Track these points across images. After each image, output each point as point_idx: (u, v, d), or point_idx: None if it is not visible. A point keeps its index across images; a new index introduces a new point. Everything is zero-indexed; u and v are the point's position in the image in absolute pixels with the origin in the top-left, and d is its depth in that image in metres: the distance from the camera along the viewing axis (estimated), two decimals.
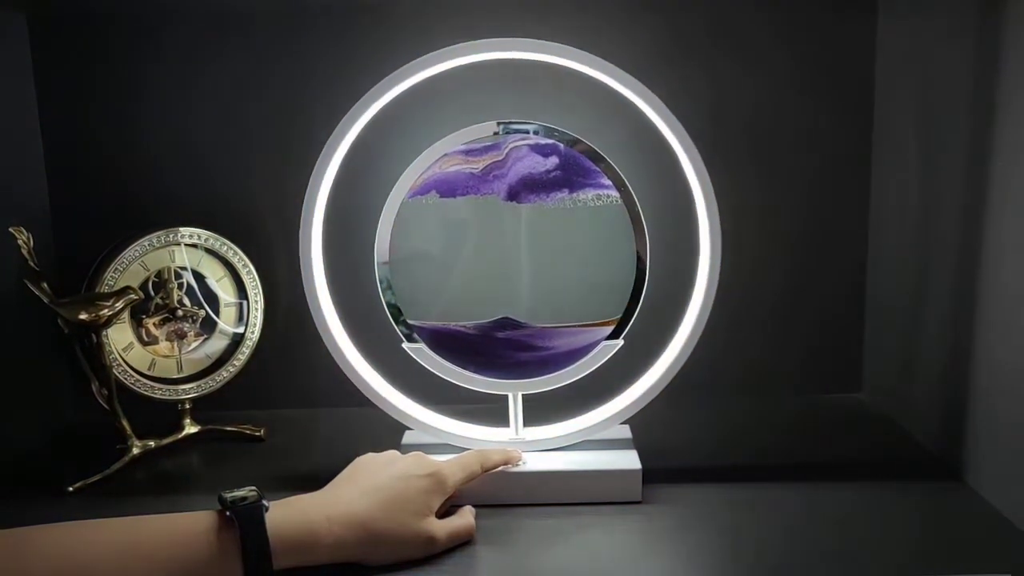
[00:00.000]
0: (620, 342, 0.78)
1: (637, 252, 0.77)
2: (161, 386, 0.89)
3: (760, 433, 0.91)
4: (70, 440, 0.93)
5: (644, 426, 0.82)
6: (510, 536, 0.70)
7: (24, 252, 0.80)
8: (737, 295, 0.92)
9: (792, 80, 0.94)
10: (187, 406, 0.90)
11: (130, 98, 0.95)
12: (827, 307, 0.98)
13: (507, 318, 0.77)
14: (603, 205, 0.76)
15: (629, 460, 0.76)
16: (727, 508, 0.74)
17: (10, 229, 0.80)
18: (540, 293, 0.77)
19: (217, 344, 0.92)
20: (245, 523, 0.60)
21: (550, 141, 0.76)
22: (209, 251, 0.90)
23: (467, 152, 0.76)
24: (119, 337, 0.87)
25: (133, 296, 0.83)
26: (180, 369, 0.91)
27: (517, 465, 0.76)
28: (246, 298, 0.92)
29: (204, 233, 0.89)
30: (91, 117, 0.95)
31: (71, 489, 0.80)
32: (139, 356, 0.89)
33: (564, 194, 0.76)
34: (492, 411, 0.81)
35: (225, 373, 0.91)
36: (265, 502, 0.62)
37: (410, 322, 0.78)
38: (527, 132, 0.76)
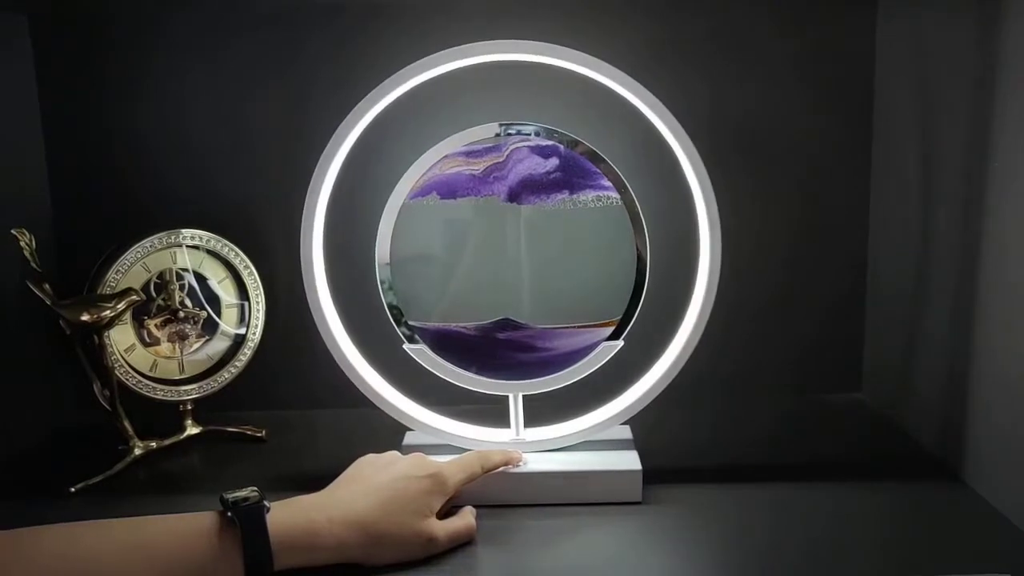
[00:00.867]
0: (620, 343, 0.78)
1: (637, 253, 0.77)
2: (163, 387, 0.89)
3: (760, 433, 0.91)
4: (72, 441, 0.93)
5: (644, 427, 0.83)
6: (511, 537, 0.70)
7: (26, 253, 0.80)
8: (737, 295, 0.92)
9: (792, 80, 0.94)
10: (189, 407, 0.91)
11: (132, 100, 0.95)
12: (827, 307, 0.98)
13: (507, 319, 0.78)
14: (603, 206, 0.76)
15: (629, 461, 0.76)
16: (727, 508, 0.74)
17: (12, 231, 0.80)
18: (540, 294, 0.78)
19: (219, 345, 0.92)
20: (246, 524, 0.60)
21: (550, 142, 0.76)
22: (211, 253, 0.91)
23: (468, 154, 0.76)
24: (121, 338, 0.88)
25: (135, 297, 0.83)
26: (182, 370, 0.91)
27: (518, 466, 0.76)
28: (247, 299, 0.92)
29: (206, 235, 0.90)
30: (93, 119, 0.95)
31: (73, 490, 0.80)
32: (141, 357, 0.89)
33: (564, 195, 0.76)
34: (493, 412, 0.81)
35: (227, 374, 0.92)
36: (266, 503, 0.62)
37: (411, 323, 0.78)
38: (528, 134, 0.76)
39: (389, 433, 0.82)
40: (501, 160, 0.76)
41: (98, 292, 0.85)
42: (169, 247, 0.89)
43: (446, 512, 0.71)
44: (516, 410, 0.79)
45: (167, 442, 0.89)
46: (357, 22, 0.93)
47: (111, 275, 0.85)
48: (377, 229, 0.77)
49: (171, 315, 0.90)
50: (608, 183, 0.76)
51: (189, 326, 0.91)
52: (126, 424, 0.86)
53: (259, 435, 0.92)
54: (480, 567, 0.66)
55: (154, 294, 0.89)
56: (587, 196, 0.76)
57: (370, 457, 0.73)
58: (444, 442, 0.79)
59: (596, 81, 0.74)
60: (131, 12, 0.93)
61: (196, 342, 0.91)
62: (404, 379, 0.81)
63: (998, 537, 0.68)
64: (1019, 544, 0.67)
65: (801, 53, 0.93)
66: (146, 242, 0.87)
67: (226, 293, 0.92)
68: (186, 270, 0.90)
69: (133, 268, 0.87)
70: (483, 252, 0.78)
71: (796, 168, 0.96)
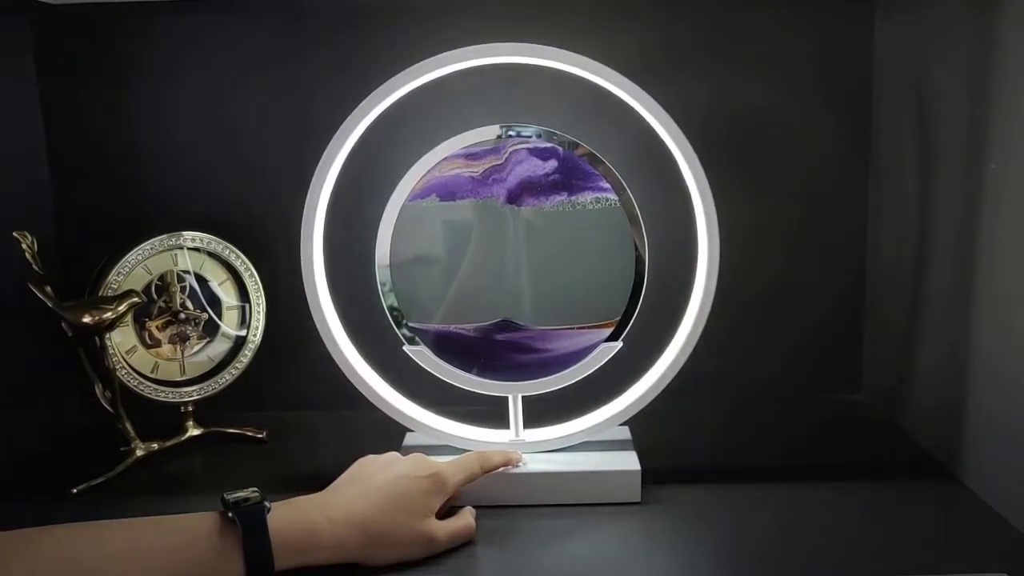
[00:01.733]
0: (619, 344, 0.78)
1: (636, 254, 0.77)
2: (164, 389, 0.90)
3: (759, 434, 0.91)
4: (73, 442, 0.94)
5: (643, 427, 0.83)
6: (510, 537, 0.70)
7: (28, 256, 0.81)
8: (735, 297, 0.92)
9: (790, 82, 0.94)
10: (190, 408, 0.91)
11: (134, 102, 0.95)
12: (825, 308, 0.99)
13: (507, 320, 0.78)
14: (602, 208, 0.77)
15: (629, 461, 0.77)
16: (726, 509, 0.74)
17: (14, 233, 0.80)
18: (540, 296, 0.78)
19: (219, 347, 0.92)
20: (247, 524, 0.61)
21: (549, 144, 0.76)
22: (212, 255, 0.91)
23: (467, 156, 0.76)
24: (122, 340, 0.88)
25: (136, 299, 0.84)
26: (183, 372, 0.91)
27: (517, 466, 0.77)
28: (248, 301, 0.92)
29: (207, 237, 0.90)
30: (95, 122, 0.96)
31: (75, 491, 0.81)
32: (142, 359, 0.89)
33: (563, 197, 0.77)
34: (492, 413, 0.81)
35: (227, 376, 0.92)
36: (267, 503, 0.63)
37: (411, 325, 0.78)
38: (527, 136, 0.76)
39: (389, 434, 0.82)
40: (500, 162, 0.76)
41: (99, 294, 0.85)
42: (170, 249, 0.89)
43: (446, 512, 0.71)
44: (515, 411, 0.80)
45: (168, 443, 0.89)
46: (358, 25, 0.93)
47: (112, 277, 0.86)
48: (377, 231, 0.77)
49: (172, 317, 0.90)
50: (607, 185, 0.76)
51: (190, 328, 0.91)
52: (127, 425, 0.86)
53: (260, 436, 0.92)
54: (479, 567, 0.67)
55: (155, 296, 0.89)
56: (586, 198, 0.77)
57: (370, 458, 0.73)
58: (444, 443, 0.79)
59: (595, 83, 0.75)
60: (133, 16, 0.93)
61: (197, 344, 0.92)
62: (404, 380, 0.81)
63: (996, 538, 0.68)
64: (1017, 544, 0.67)
65: (800, 54, 0.94)
66: (147, 244, 0.87)
67: (227, 295, 0.92)
68: (187, 272, 0.90)
69: (134, 270, 0.87)
70: (482, 254, 0.78)
71: (795, 169, 0.96)
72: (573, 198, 0.77)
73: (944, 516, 0.72)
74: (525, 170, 0.76)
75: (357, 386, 0.79)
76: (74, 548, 0.58)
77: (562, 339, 0.78)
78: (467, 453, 0.76)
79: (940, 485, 0.77)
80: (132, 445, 0.86)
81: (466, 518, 0.71)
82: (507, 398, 0.79)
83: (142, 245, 0.87)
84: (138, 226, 0.90)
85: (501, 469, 0.76)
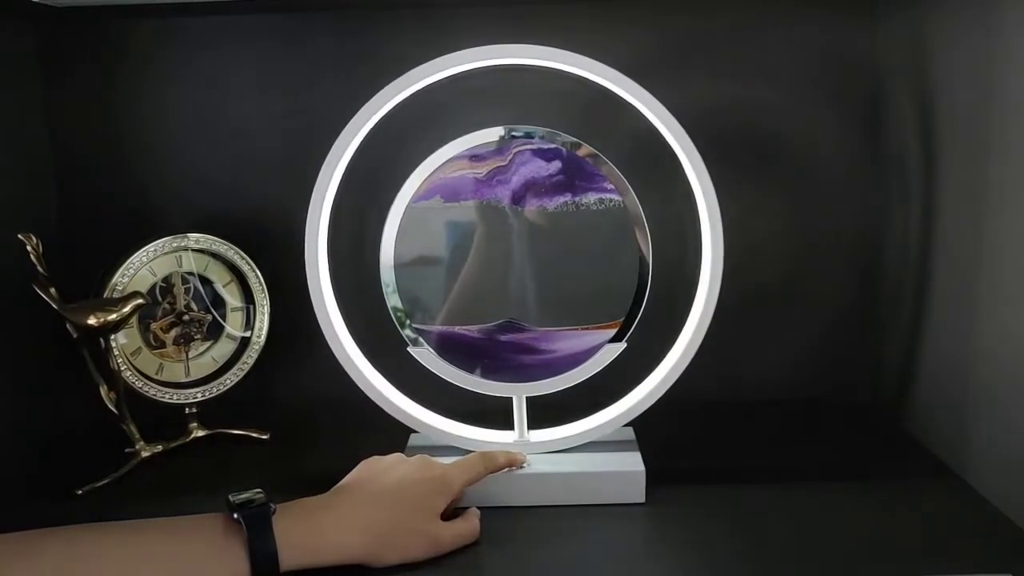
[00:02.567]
0: (623, 345, 0.78)
1: (640, 255, 0.77)
2: (168, 390, 0.90)
3: (763, 434, 0.91)
4: (78, 444, 0.94)
5: (648, 428, 0.83)
6: (514, 537, 0.71)
7: (33, 258, 0.81)
8: (739, 297, 0.92)
9: (793, 81, 0.94)
10: (194, 410, 0.91)
11: (137, 105, 0.96)
12: (830, 309, 0.99)
13: (511, 322, 0.78)
14: (606, 208, 0.77)
15: (633, 462, 0.77)
16: (730, 509, 0.74)
17: (19, 235, 0.81)
18: (544, 296, 0.78)
19: (224, 348, 0.93)
20: (252, 525, 0.61)
21: (553, 145, 0.76)
22: (216, 256, 0.91)
23: (471, 157, 0.77)
24: (127, 342, 0.88)
25: (141, 301, 0.84)
26: (187, 373, 0.91)
27: (522, 467, 0.77)
28: (252, 302, 0.93)
29: (211, 238, 0.90)
30: (99, 123, 0.96)
31: (79, 492, 0.81)
32: (147, 360, 0.90)
33: (567, 198, 0.77)
34: (497, 414, 0.81)
35: (232, 377, 0.92)
36: (272, 504, 0.63)
37: (415, 326, 0.78)
38: (531, 137, 0.76)
39: (393, 435, 0.82)
40: (504, 164, 0.76)
41: (104, 296, 0.85)
42: (175, 251, 0.89)
43: (450, 513, 0.71)
44: (520, 412, 0.80)
45: (173, 445, 0.89)
46: (362, 26, 0.93)
47: (117, 279, 0.86)
48: (381, 232, 0.77)
49: (177, 318, 0.90)
50: (610, 185, 0.76)
51: (195, 329, 0.91)
52: (132, 427, 0.87)
53: (264, 437, 0.93)
54: (484, 568, 0.67)
55: (160, 298, 0.90)
56: (590, 199, 0.77)
57: (375, 459, 0.73)
58: (448, 444, 0.80)
59: (598, 84, 0.75)
60: (137, 18, 0.94)
61: (201, 345, 0.92)
62: (408, 381, 0.81)
63: (1001, 538, 0.68)
64: (1021, 543, 0.67)
65: (802, 54, 0.94)
66: (151, 246, 0.88)
67: (231, 296, 0.92)
68: (191, 274, 0.90)
69: (139, 272, 0.87)
70: (486, 255, 0.78)
71: (798, 170, 0.96)
72: (577, 199, 0.77)
73: (950, 517, 0.72)
74: (529, 171, 0.76)
75: (361, 387, 0.79)
76: (79, 550, 0.58)
77: (566, 340, 0.78)
78: (472, 454, 0.76)
79: (945, 486, 0.77)
80: (137, 446, 0.87)
81: (471, 519, 0.71)
82: (511, 399, 0.79)
83: (147, 247, 0.87)
84: (143, 228, 0.90)
85: (506, 470, 0.76)
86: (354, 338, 0.80)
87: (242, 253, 0.91)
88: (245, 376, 0.92)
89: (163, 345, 0.90)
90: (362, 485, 0.69)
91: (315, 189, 0.76)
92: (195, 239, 0.90)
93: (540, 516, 0.74)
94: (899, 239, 0.91)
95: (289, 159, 0.94)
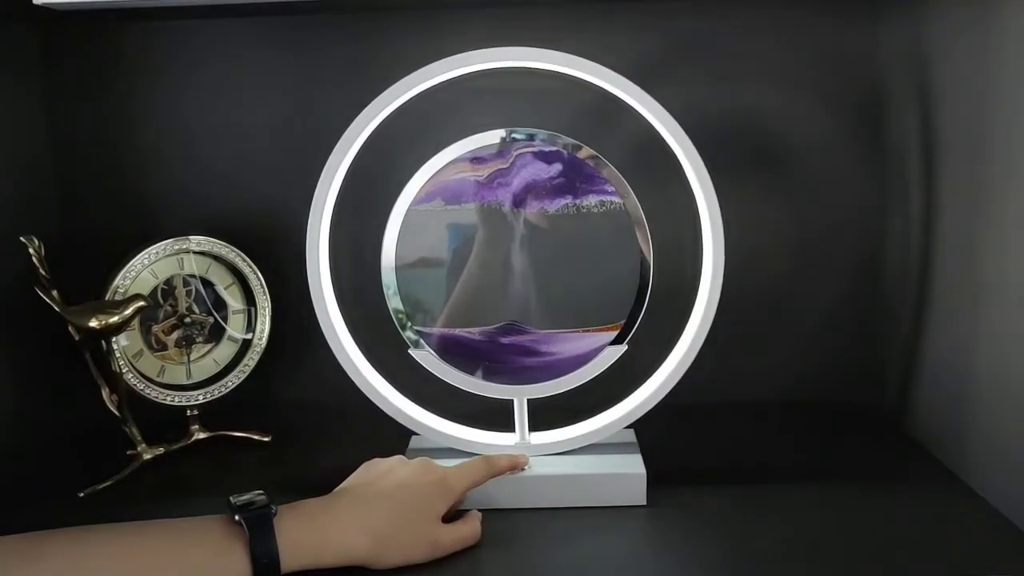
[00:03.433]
0: (624, 347, 0.78)
1: (641, 257, 0.77)
2: (170, 392, 0.90)
3: (763, 437, 0.91)
4: (80, 446, 0.94)
5: (649, 430, 0.83)
6: (516, 540, 0.71)
7: (35, 260, 0.81)
8: (740, 299, 0.92)
9: (794, 83, 0.94)
10: (196, 412, 0.91)
11: (139, 107, 0.96)
12: (830, 311, 0.98)
13: (512, 324, 0.78)
14: (607, 211, 0.77)
15: (634, 464, 0.77)
16: (731, 511, 0.74)
17: (21, 238, 0.81)
18: (545, 299, 0.78)
19: (225, 350, 0.93)
20: (253, 527, 0.61)
21: (554, 148, 0.76)
22: (217, 259, 0.91)
23: (472, 159, 0.77)
24: (129, 344, 0.88)
25: (142, 303, 0.84)
26: (189, 375, 0.92)
27: (523, 470, 0.77)
28: (254, 305, 0.93)
29: (213, 241, 0.90)
30: (100, 126, 0.96)
31: (81, 495, 0.81)
32: (148, 363, 0.90)
33: (568, 200, 0.77)
34: (498, 416, 0.81)
35: (233, 379, 0.92)
36: (273, 506, 0.63)
37: (416, 328, 0.79)
38: (532, 139, 0.76)
39: (395, 437, 0.82)
40: (505, 166, 0.77)
41: (106, 298, 0.85)
42: (176, 253, 0.89)
43: (452, 516, 0.71)
44: (521, 414, 0.80)
45: (175, 447, 0.89)
46: (363, 29, 0.93)
47: (119, 281, 0.86)
48: (382, 235, 0.78)
49: (178, 321, 0.91)
50: (611, 188, 0.76)
51: (196, 332, 0.91)
52: (134, 429, 0.87)
53: (266, 440, 0.93)
54: (485, 570, 0.67)
55: (161, 300, 0.90)
56: (591, 201, 0.77)
57: (376, 461, 0.73)
58: (449, 446, 0.80)
59: (599, 87, 0.75)
60: (139, 20, 0.94)
61: (203, 347, 0.92)
62: (409, 384, 0.81)
63: (1001, 540, 0.68)
64: (1020, 545, 0.67)
65: (803, 56, 0.94)
66: (153, 248, 0.88)
67: (233, 299, 0.92)
68: (193, 276, 0.90)
69: (141, 274, 0.87)
70: (487, 257, 0.78)
71: (799, 171, 0.96)
72: (578, 201, 0.77)
73: (950, 519, 0.72)
74: (530, 174, 0.77)
75: (362, 389, 0.79)
76: (81, 551, 0.58)
77: (567, 342, 0.78)
78: (473, 457, 0.76)
79: (946, 488, 0.77)
80: (139, 449, 0.87)
81: (472, 522, 0.71)
82: (513, 401, 0.79)
83: (148, 249, 0.88)
84: (144, 230, 0.91)
85: (507, 473, 0.76)
86: (355, 340, 0.81)
87: (244, 255, 0.92)
88: (247, 378, 0.93)
89: (165, 347, 0.91)
90: (363, 487, 0.69)
91: (316, 191, 0.77)
92: (197, 241, 0.90)
93: (541, 518, 0.74)
94: (900, 240, 0.91)
95: (290, 161, 0.94)
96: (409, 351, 0.79)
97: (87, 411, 0.96)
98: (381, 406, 0.80)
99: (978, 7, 0.73)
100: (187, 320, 0.91)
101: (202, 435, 0.91)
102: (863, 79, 0.94)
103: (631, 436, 0.83)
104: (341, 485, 0.71)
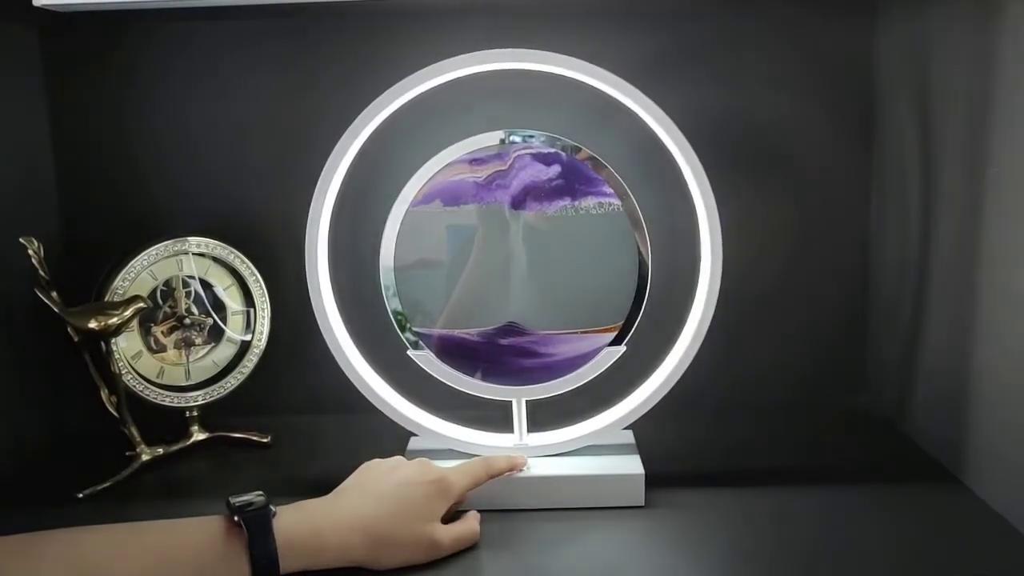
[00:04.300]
0: (623, 348, 0.78)
1: (639, 258, 0.77)
2: (169, 393, 0.90)
3: (761, 437, 0.91)
4: (80, 447, 0.94)
5: (647, 431, 0.83)
6: (514, 541, 0.71)
7: (34, 261, 0.81)
8: (738, 300, 0.92)
9: (792, 85, 0.94)
10: (195, 413, 0.91)
11: (139, 108, 0.96)
12: (828, 312, 0.99)
13: (510, 325, 0.78)
14: (605, 212, 0.77)
15: (632, 465, 0.77)
16: (729, 512, 0.74)
17: (21, 239, 0.81)
18: (543, 300, 0.78)
19: (225, 352, 0.93)
20: (252, 528, 0.61)
21: (552, 150, 0.77)
22: (217, 260, 0.91)
23: (471, 161, 0.77)
24: (128, 345, 0.88)
25: (141, 305, 0.84)
26: (188, 377, 0.92)
27: (521, 470, 0.77)
28: (253, 306, 0.93)
29: (212, 242, 0.90)
30: (100, 128, 0.96)
31: (80, 496, 0.81)
32: (148, 364, 0.90)
33: (567, 202, 0.77)
34: (497, 417, 0.81)
35: (232, 380, 0.92)
36: (272, 507, 0.63)
37: (415, 329, 0.79)
38: (531, 141, 0.77)
39: (394, 438, 0.82)
40: (504, 168, 0.77)
41: (105, 299, 0.86)
42: (175, 254, 0.89)
43: (451, 516, 0.71)
44: (520, 415, 0.80)
45: (174, 448, 0.89)
46: (362, 31, 0.93)
47: (118, 283, 0.86)
48: (381, 236, 0.78)
49: (177, 322, 0.91)
50: (610, 190, 0.76)
51: (195, 333, 0.91)
52: (133, 430, 0.87)
53: (265, 441, 0.93)
54: (484, 571, 0.67)
55: (160, 301, 0.90)
56: (589, 203, 0.77)
57: (375, 462, 0.73)
58: (448, 447, 0.80)
59: (597, 88, 0.75)
60: (139, 22, 0.94)
61: (202, 349, 0.92)
62: (408, 384, 0.81)
63: (999, 540, 0.68)
64: (1020, 547, 0.67)
65: (801, 58, 0.94)
66: (152, 250, 0.88)
67: (232, 300, 0.92)
68: (192, 277, 0.91)
69: (140, 276, 0.87)
70: (486, 259, 0.78)
71: (797, 174, 0.96)
72: (576, 203, 0.77)
73: (947, 519, 0.72)
74: (528, 175, 0.77)
75: (361, 390, 0.79)
76: (80, 552, 0.58)
77: (566, 343, 0.78)
78: (472, 458, 0.76)
79: (943, 488, 0.77)
80: (138, 450, 0.87)
81: (470, 522, 0.71)
82: (511, 402, 0.80)
83: (147, 250, 0.88)
84: (143, 231, 0.91)
85: (506, 474, 0.76)
86: (354, 341, 0.81)
87: (243, 257, 0.92)
88: (246, 379, 0.93)
89: (164, 349, 0.91)
90: (362, 488, 0.69)
91: (315, 193, 0.77)
92: (196, 243, 0.90)
93: (540, 519, 0.74)
94: (898, 241, 0.91)
95: (290, 163, 0.94)
96: (408, 352, 0.79)
97: (86, 412, 0.97)
98: (380, 407, 0.80)
99: (978, 7, 0.73)
100: (186, 321, 0.91)
101: (201, 436, 0.91)
102: (861, 80, 0.94)
103: (629, 437, 0.83)
104: (340, 486, 0.71)
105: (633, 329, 0.78)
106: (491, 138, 0.77)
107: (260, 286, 0.92)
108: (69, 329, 0.83)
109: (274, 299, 0.93)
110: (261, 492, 0.64)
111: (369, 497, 0.67)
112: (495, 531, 0.71)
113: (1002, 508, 0.71)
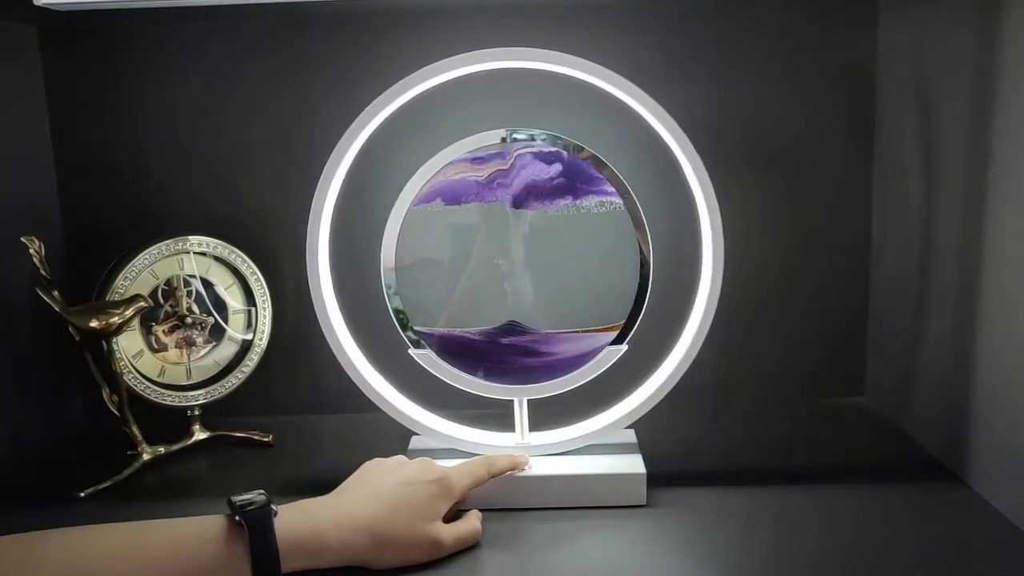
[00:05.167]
0: (624, 347, 0.78)
1: (640, 257, 0.77)
2: (171, 393, 0.90)
3: (763, 437, 0.91)
4: (81, 446, 0.94)
5: (649, 430, 0.83)
6: (516, 540, 0.71)
7: (36, 261, 0.81)
8: (740, 300, 0.92)
9: (793, 84, 0.94)
10: (196, 412, 0.91)
11: (140, 108, 0.96)
12: (829, 311, 0.99)
13: (512, 324, 0.78)
14: (606, 211, 0.77)
15: (634, 464, 0.77)
16: (731, 511, 0.74)
17: (22, 238, 0.81)
18: (544, 299, 0.78)
19: (226, 351, 0.93)
20: (254, 527, 0.61)
21: (554, 149, 0.77)
22: (218, 259, 0.91)
23: (472, 160, 0.77)
24: (129, 344, 0.88)
25: (143, 304, 0.84)
26: (189, 376, 0.92)
27: (523, 470, 0.77)
28: (254, 305, 0.93)
29: (213, 241, 0.90)
30: (101, 127, 0.96)
31: (82, 495, 0.81)
32: (149, 363, 0.90)
33: (568, 201, 0.77)
34: (498, 416, 0.81)
35: (234, 379, 0.92)
36: (273, 506, 0.63)
37: (416, 328, 0.79)
38: (532, 140, 0.76)
39: (395, 437, 0.82)
40: (505, 167, 0.77)
41: (106, 299, 0.86)
42: (176, 254, 0.89)
43: (452, 516, 0.71)
44: (521, 414, 0.80)
45: (175, 447, 0.89)
46: (362, 30, 0.93)
47: (119, 282, 0.86)
48: (382, 235, 0.78)
49: (179, 321, 0.91)
50: (611, 188, 0.76)
51: (196, 332, 0.91)
52: (134, 429, 0.87)
53: (266, 440, 0.93)
54: (485, 570, 0.67)
55: (162, 300, 0.90)
56: (590, 201, 0.77)
57: (376, 461, 0.73)
58: (450, 446, 0.80)
59: (599, 88, 0.75)
60: (139, 22, 0.94)
61: (203, 348, 0.92)
62: (410, 384, 0.81)
63: (1001, 539, 0.68)
64: (1020, 545, 0.67)
65: (802, 58, 0.94)
66: (154, 249, 0.88)
67: (233, 299, 0.92)
68: (193, 276, 0.91)
69: (141, 275, 0.87)
70: (487, 257, 0.78)
71: (798, 173, 0.96)
72: (578, 202, 0.77)
73: (949, 519, 0.72)
74: (530, 174, 0.77)
75: (363, 390, 0.79)
76: (82, 551, 0.58)
77: (567, 342, 0.78)
78: (474, 457, 0.76)
79: (945, 487, 0.77)
80: (139, 449, 0.87)
81: (472, 522, 0.71)
82: (513, 401, 0.80)
83: (149, 250, 0.88)
84: (145, 231, 0.91)
85: (508, 473, 0.76)
86: (356, 341, 0.81)
87: (244, 256, 0.92)
88: (247, 379, 0.93)
89: (165, 348, 0.91)
90: (364, 487, 0.69)
91: (316, 192, 0.77)
92: (197, 242, 0.90)
93: (541, 518, 0.74)
94: (899, 241, 0.91)
95: (290, 162, 0.94)
96: (409, 351, 0.79)
97: (87, 411, 0.97)
98: (381, 406, 0.80)
99: (978, 8, 0.73)
100: (187, 320, 0.91)
101: (202, 435, 0.91)
102: (862, 80, 0.94)
103: (631, 436, 0.83)
104: (342, 485, 0.71)
105: (635, 328, 0.78)
106: (492, 137, 0.77)
107: (261, 285, 0.92)
108: (70, 328, 0.83)
109: (275, 298, 0.93)
110: (263, 491, 0.64)
111: (370, 496, 0.67)
112: (497, 530, 0.71)
113: (1004, 507, 0.71)
